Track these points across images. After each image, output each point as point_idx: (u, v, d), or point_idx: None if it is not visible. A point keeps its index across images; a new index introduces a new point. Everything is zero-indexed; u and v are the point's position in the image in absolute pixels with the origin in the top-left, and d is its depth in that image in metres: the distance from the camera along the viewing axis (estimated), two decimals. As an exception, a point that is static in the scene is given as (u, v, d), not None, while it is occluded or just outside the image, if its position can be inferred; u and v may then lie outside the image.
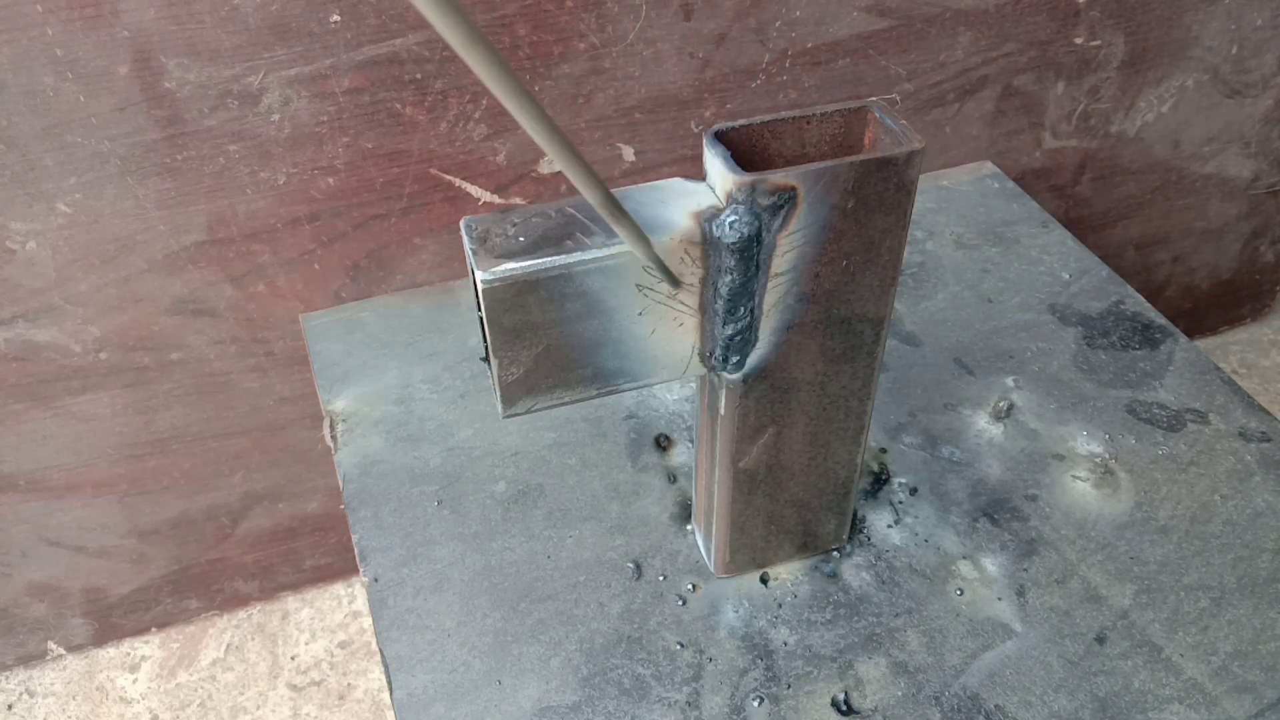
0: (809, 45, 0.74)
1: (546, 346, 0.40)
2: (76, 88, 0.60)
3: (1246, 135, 0.96)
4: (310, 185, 0.68)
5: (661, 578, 0.54)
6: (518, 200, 0.74)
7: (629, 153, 0.74)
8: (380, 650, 0.51)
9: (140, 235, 0.67)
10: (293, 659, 0.89)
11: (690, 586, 0.53)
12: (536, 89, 0.69)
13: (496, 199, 0.73)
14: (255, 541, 0.87)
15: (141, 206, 0.65)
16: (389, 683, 0.49)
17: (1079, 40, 0.82)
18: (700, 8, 0.69)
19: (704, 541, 0.54)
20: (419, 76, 0.65)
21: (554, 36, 0.67)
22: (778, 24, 0.72)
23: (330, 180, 0.68)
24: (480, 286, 0.37)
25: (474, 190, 0.72)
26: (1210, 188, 1.00)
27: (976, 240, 0.75)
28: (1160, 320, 0.68)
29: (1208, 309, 1.14)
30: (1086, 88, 0.86)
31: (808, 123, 0.40)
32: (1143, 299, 0.70)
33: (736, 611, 0.52)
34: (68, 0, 0.57)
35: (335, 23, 0.62)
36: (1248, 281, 1.13)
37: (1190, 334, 1.16)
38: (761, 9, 0.71)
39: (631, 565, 0.54)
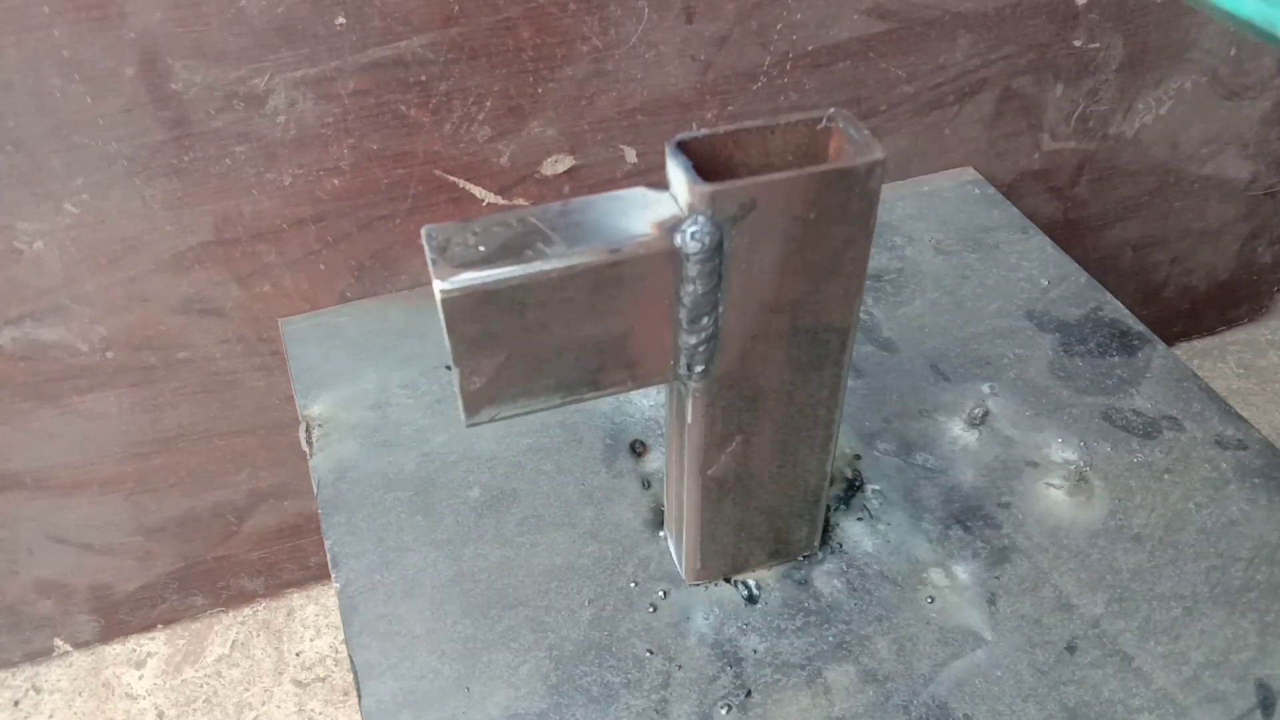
0: (810, 48, 0.74)
1: (508, 356, 0.40)
2: (83, 89, 0.60)
3: (1244, 137, 0.97)
4: (316, 186, 0.69)
5: (633, 584, 0.54)
6: (521, 201, 0.74)
7: (631, 154, 0.75)
8: (350, 657, 0.51)
9: (147, 235, 0.67)
10: (298, 655, 0.89)
11: (661, 593, 0.53)
12: (539, 91, 0.69)
13: (500, 200, 0.74)
14: (261, 539, 0.87)
15: (148, 207, 0.66)
16: (358, 690, 0.49)
17: (1078, 42, 0.83)
18: (702, 11, 0.69)
19: (675, 548, 0.54)
20: (423, 79, 0.66)
21: (557, 39, 0.67)
22: (779, 27, 0.72)
23: (335, 181, 0.69)
24: (439, 296, 0.37)
25: (478, 191, 0.73)
26: (1208, 189, 1.00)
27: (956, 246, 0.75)
28: (1138, 327, 0.68)
29: (1205, 310, 1.14)
30: (1085, 90, 0.86)
31: (771, 132, 0.40)
32: (1121, 306, 0.70)
33: (707, 619, 0.52)
34: (75, 2, 0.57)
35: (340, 25, 0.62)
36: (1245, 282, 1.13)
37: (1188, 334, 1.17)
38: (763, 12, 0.71)
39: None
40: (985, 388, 0.64)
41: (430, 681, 0.50)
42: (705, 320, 0.41)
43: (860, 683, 0.49)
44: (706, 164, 0.39)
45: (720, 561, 0.53)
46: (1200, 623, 0.51)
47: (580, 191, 0.76)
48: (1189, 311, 1.13)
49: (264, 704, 0.86)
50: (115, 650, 0.90)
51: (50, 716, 0.85)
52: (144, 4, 0.58)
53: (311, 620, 0.92)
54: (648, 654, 0.51)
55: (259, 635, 0.91)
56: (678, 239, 0.39)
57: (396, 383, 0.65)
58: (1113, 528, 0.56)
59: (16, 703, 0.86)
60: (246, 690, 0.87)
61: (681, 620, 0.52)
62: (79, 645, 0.89)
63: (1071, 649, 0.51)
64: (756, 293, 0.41)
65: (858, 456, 0.60)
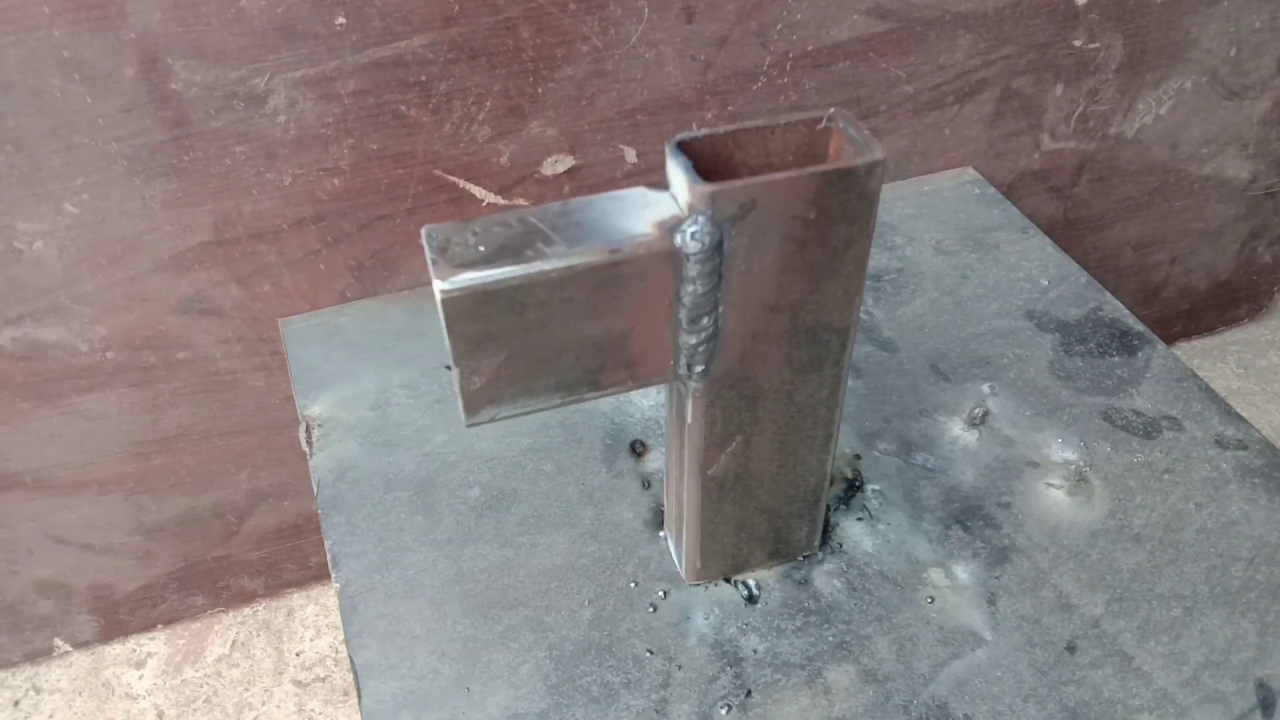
0: (810, 48, 0.74)
1: (508, 356, 0.40)
2: (83, 89, 0.60)
3: (1244, 137, 0.97)
4: (316, 186, 0.69)
5: (633, 584, 0.54)
6: (521, 201, 0.74)
7: (631, 154, 0.75)
8: (350, 657, 0.51)
9: (147, 235, 0.67)
10: (298, 655, 0.89)
11: (661, 593, 0.53)
12: (539, 91, 0.69)
13: (500, 200, 0.74)
14: (261, 539, 0.87)
15: (148, 207, 0.66)
16: (358, 690, 0.49)
17: (1078, 42, 0.83)
18: (702, 10, 0.70)
19: (675, 548, 0.54)
20: (423, 79, 0.66)
21: (557, 39, 0.67)
22: (779, 27, 0.72)
23: (335, 181, 0.69)
24: (439, 296, 0.37)
25: (478, 191, 0.73)
26: (1208, 189, 1.00)
27: (956, 246, 0.75)
28: (1138, 327, 0.68)
29: (1205, 309, 1.14)
30: (1085, 90, 0.86)
31: (771, 132, 0.40)
32: (1121, 305, 0.70)
33: (707, 619, 0.52)
34: (75, 2, 0.57)
35: (340, 25, 0.62)
36: (1245, 282, 1.13)
37: (1187, 334, 1.17)
38: (763, 12, 0.71)
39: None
40: (985, 388, 0.64)
41: (430, 681, 0.50)
42: (705, 320, 0.41)
43: (860, 683, 0.49)
44: (706, 164, 0.39)
45: (720, 561, 0.53)
46: (1200, 623, 0.51)
47: (580, 191, 0.76)
48: (1189, 311, 1.13)
49: (264, 704, 0.86)
50: (115, 650, 0.90)
51: (50, 716, 0.85)
52: (144, 4, 0.58)
53: (311, 620, 0.92)
54: (648, 654, 0.51)
55: (259, 635, 0.91)
56: (678, 239, 0.39)
57: (396, 383, 0.65)
58: (1113, 528, 0.56)
59: (16, 703, 0.86)
60: (246, 690, 0.87)
61: (681, 620, 0.52)
62: (79, 645, 0.89)
63: (1071, 649, 0.51)
64: (756, 293, 0.41)
65: (858, 456, 0.60)
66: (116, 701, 0.86)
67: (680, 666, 0.50)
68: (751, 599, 0.53)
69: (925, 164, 0.85)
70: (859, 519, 0.57)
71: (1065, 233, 0.97)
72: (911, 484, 0.58)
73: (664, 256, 0.39)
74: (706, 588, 0.53)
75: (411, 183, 0.71)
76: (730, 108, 0.75)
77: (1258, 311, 1.19)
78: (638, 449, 0.61)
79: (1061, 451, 0.60)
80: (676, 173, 0.39)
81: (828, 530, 0.56)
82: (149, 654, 0.89)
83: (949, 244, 0.75)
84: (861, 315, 0.61)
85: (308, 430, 0.62)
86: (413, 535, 0.56)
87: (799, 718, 0.48)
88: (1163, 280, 1.08)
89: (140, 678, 0.88)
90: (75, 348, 0.71)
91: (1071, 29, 0.81)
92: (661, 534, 0.56)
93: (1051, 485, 0.58)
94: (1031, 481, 0.59)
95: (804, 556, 0.55)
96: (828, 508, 0.57)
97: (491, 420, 0.42)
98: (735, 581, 0.54)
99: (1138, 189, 0.97)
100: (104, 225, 0.66)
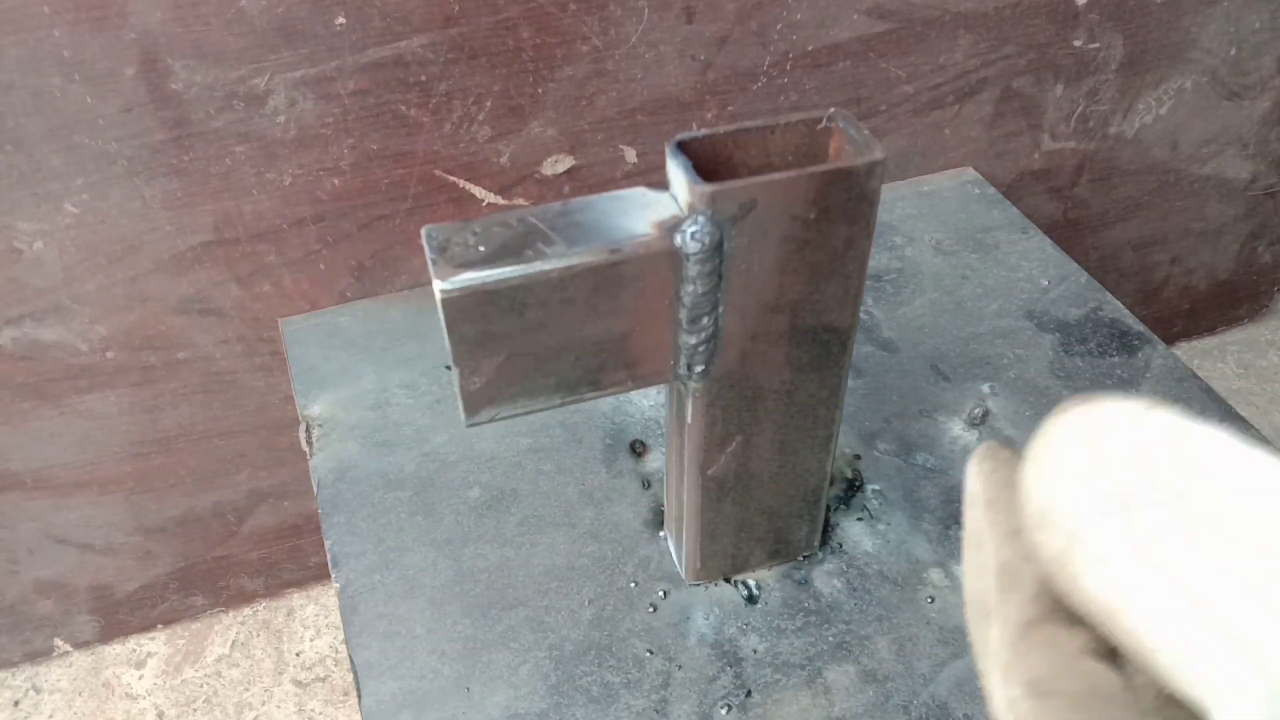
0: (810, 48, 0.74)
1: (508, 356, 0.40)
2: (83, 89, 0.60)
3: (1244, 137, 0.97)
4: (316, 186, 0.69)
5: (633, 584, 0.54)
6: (521, 201, 0.74)
7: (631, 154, 0.75)
8: (350, 657, 0.51)
9: (147, 235, 0.67)
10: (298, 655, 0.89)
11: (661, 593, 0.53)
12: (539, 91, 0.69)
13: (500, 200, 0.74)
14: (261, 539, 0.87)
15: (148, 207, 0.66)
16: (358, 690, 0.49)
17: (1078, 43, 0.83)
18: (702, 11, 0.70)
19: (675, 548, 0.54)
20: (423, 79, 0.66)
21: (557, 39, 0.67)
22: (779, 27, 0.72)
23: (335, 181, 0.69)
24: (439, 296, 0.37)
25: (478, 191, 0.73)
26: (1208, 189, 1.00)
27: (956, 246, 0.75)
28: (1138, 327, 0.68)
29: (1205, 310, 1.14)
30: (1085, 90, 0.86)
31: (771, 132, 0.40)
32: (1121, 306, 0.70)
33: (707, 619, 0.52)
34: (75, 2, 0.57)
35: (340, 25, 0.62)
36: (1245, 282, 1.13)
37: (1188, 334, 1.17)
38: (763, 12, 0.71)
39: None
40: (985, 388, 0.64)
41: (430, 681, 0.50)
42: (705, 320, 0.41)
43: (860, 683, 0.49)
44: (706, 164, 0.39)
45: (720, 561, 0.53)
46: (1200, 623, 0.51)
47: (580, 191, 0.76)
48: (1189, 311, 1.13)
49: (264, 704, 0.86)
50: (115, 650, 0.90)
51: (50, 716, 0.85)
52: (144, 4, 0.58)
53: (311, 620, 0.92)
54: (648, 654, 0.51)
55: (259, 635, 0.91)
56: (678, 239, 0.38)
57: (396, 383, 0.65)
58: (1113, 528, 0.56)
59: (16, 703, 0.86)
60: (246, 690, 0.87)
61: (681, 620, 0.52)
62: (79, 645, 0.89)
63: (1071, 649, 0.50)
64: (756, 293, 0.41)
65: (858, 456, 0.60)
66: (116, 701, 0.86)
67: (680, 666, 0.50)
68: (751, 599, 0.53)
69: (925, 164, 0.85)
70: (859, 519, 0.57)
71: (1065, 233, 0.97)
72: (911, 484, 0.58)
73: (664, 256, 0.39)
74: (706, 588, 0.53)
75: (411, 183, 0.71)
76: (730, 108, 0.75)
77: (1258, 311, 1.19)
78: (638, 449, 0.61)
79: None
80: (676, 173, 0.39)
81: (828, 530, 0.56)
82: (149, 654, 0.90)
83: (949, 244, 0.75)
84: (861, 315, 0.61)
85: (308, 430, 0.62)
86: (413, 535, 0.56)
87: (799, 718, 0.48)
88: (1163, 280, 1.08)
89: (140, 678, 0.88)
90: (75, 348, 0.71)
91: (1071, 29, 0.81)
92: (661, 534, 0.56)
93: None
94: (1032, 481, 0.58)
95: (804, 556, 0.55)
96: (828, 508, 0.57)
97: (491, 420, 0.41)
98: (735, 581, 0.54)
99: (1138, 189, 0.97)
100: (104, 225, 0.66)
